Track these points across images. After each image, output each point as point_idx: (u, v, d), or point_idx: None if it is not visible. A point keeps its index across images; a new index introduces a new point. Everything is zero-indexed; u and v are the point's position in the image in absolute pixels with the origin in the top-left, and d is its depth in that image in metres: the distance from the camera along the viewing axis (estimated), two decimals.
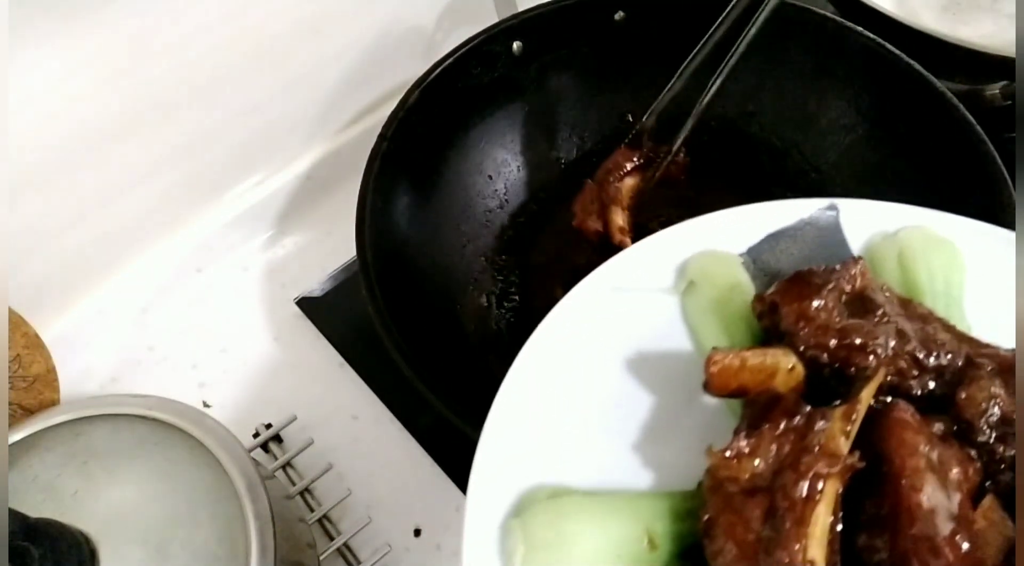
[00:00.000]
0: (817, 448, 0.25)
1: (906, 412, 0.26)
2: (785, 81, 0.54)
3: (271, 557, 0.35)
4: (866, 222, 0.34)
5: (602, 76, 0.57)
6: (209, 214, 0.57)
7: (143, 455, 0.38)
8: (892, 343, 0.27)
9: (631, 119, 0.56)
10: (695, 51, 0.46)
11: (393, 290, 0.43)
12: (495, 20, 0.55)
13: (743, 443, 0.26)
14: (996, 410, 0.26)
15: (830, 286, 0.29)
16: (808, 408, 0.26)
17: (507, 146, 0.58)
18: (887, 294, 0.30)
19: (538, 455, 0.30)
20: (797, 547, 0.24)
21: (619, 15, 0.55)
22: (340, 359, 0.54)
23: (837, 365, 0.28)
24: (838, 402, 0.26)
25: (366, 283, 0.43)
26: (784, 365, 0.28)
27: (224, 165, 0.56)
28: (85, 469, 0.37)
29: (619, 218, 0.48)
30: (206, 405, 0.52)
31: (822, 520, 0.24)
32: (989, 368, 0.27)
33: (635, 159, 0.48)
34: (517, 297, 0.54)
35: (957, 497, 0.24)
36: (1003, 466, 0.26)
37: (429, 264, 0.52)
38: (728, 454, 0.26)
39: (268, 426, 0.51)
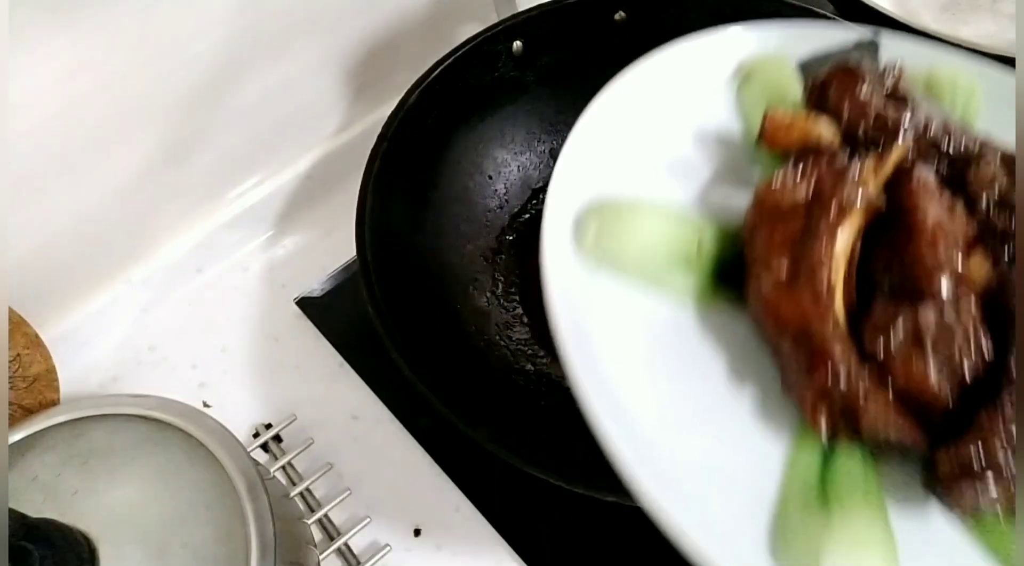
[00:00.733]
0: (850, 180, 0.30)
1: (927, 171, 0.31)
2: None
3: (271, 557, 0.35)
4: (903, 52, 0.38)
5: (602, 76, 0.57)
6: (209, 214, 0.57)
7: (143, 455, 0.38)
8: (920, 127, 0.33)
9: None
10: None
11: (393, 290, 0.43)
12: (495, 20, 0.55)
13: (787, 175, 0.31)
14: (996, 188, 0.31)
15: (874, 76, 0.35)
16: (846, 154, 0.32)
17: (507, 146, 0.58)
18: (919, 95, 0.35)
19: (612, 174, 0.35)
20: (823, 252, 0.29)
21: (619, 15, 0.55)
22: (340, 359, 0.54)
23: (871, 140, 0.33)
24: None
25: (366, 283, 0.43)
26: (827, 133, 0.34)
27: (224, 165, 0.56)
28: (85, 469, 0.37)
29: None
30: (206, 405, 0.52)
31: (845, 237, 0.29)
32: (996, 156, 0.32)
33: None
34: (517, 297, 0.54)
35: (960, 245, 0.29)
36: (994, 234, 0.31)
37: (429, 264, 0.52)
38: (773, 184, 0.31)
39: (268, 426, 0.51)
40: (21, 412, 0.43)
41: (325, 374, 0.53)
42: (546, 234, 0.33)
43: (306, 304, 0.56)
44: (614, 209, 0.33)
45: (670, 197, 0.35)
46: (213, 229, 0.57)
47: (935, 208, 0.30)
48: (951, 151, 0.33)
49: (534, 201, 0.58)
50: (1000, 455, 0.26)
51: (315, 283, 0.57)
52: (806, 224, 0.30)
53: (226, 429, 0.39)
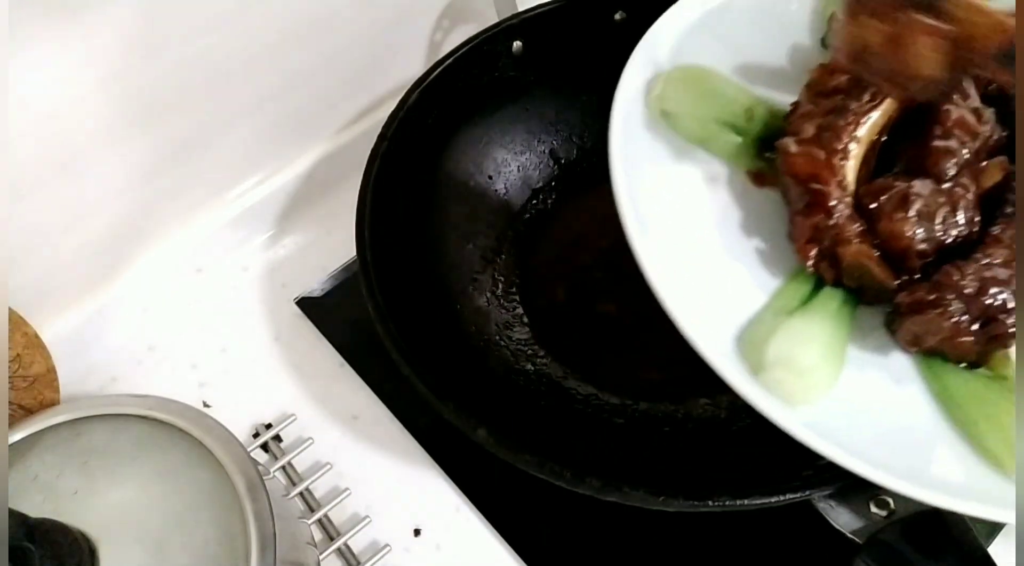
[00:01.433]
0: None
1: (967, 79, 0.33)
2: None
3: (271, 557, 0.35)
4: None
5: (602, 76, 0.57)
6: (209, 214, 0.57)
7: (143, 455, 0.38)
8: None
9: None
10: None
11: (393, 290, 0.43)
12: (495, 20, 0.55)
13: (835, 61, 0.34)
14: None
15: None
16: None
17: (507, 146, 0.58)
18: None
19: (689, 50, 0.40)
20: (846, 124, 0.33)
21: (619, 15, 0.55)
22: (340, 359, 0.54)
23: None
24: None
25: (366, 283, 0.43)
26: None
27: (224, 165, 0.56)
28: (85, 469, 0.37)
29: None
30: (206, 405, 0.52)
31: (872, 119, 0.33)
32: None
33: None
34: (517, 297, 0.54)
35: (975, 142, 0.33)
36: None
37: (429, 264, 0.52)
38: (825, 68, 0.35)
39: (268, 426, 0.51)
40: (21, 412, 0.43)
41: (325, 374, 0.53)
42: (621, 86, 0.38)
43: (306, 304, 0.56)
44: (683, 69, 0.38)
45: (733, 73, 0.40)
46: (213, 229, 0.57)
47: (961, 107, 0.33)
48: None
49: (534, 201, 0.58)
50: (948, 301, 0.30)
51: (315, 283, 0.57)
52: (841, 103, 0.34)
53: (226, 429, 0.39)
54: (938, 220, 0.32)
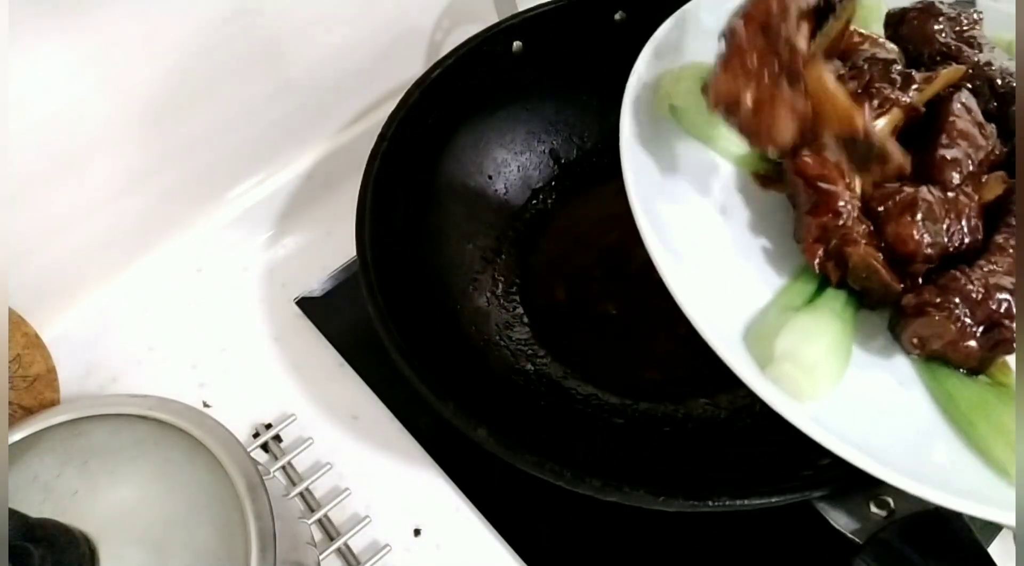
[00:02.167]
0: (897, 80, 0.34)
1: (970, 95, 0.36)
2: None
3: (271, 557, 0.35)
4: (992, 15, 0.41)
5: (602, 76, 0.57)
6: (209, 214, 0.57)
7: (143, 455, 0.38)
8: (980, 65, 0.37)
9: None
10: None
11: (393, 290, 0.43)
12: (495, 20, 0.55)
13: (849, 72, 0.35)
14: None
15: (951, 16, 0.39)
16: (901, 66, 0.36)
17: (507, 146, 0.58)
18: (992, 45, 0.39)
19: (696, 48, 0.40)
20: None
21: (619, 15, 0.55)
22: (340, 359, 0.54)
23: (931, 67, 0.38)
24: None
25: (366, 283, 0.43)
26: (893, 51, 0.38)
27: (224, 165, 0.56)
28: (85, 469, 0.37)
29: (838, 86, 0.32)
30: (206, 405, 0.52)
31: (882, 126, 0.33)
32: None
33: None
34: (517, 297, 0.54)
35: (979, 154, 0.34)
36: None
37: (429, 264, 0.52)
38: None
39: (268, 426, 0.51)
40: (21, 412, 0.43)
41: (325, 374, 0.53)
42: (631, 81, 0.38)
43: (306, 304, 0.56)
44: (693, 66, 0.38)
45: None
46: (213, 229, 0.57)
47: (965, 121, 0.34)
48: (1003, 91, 0.37)
49: (534, 201, 0.58)
50: (954, 305, 0.31)
51: (315, 283, 0.57)
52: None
53: (226, 429, 0.39)
54: (943, 226, 0.33)
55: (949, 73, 0.36)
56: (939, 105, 0.36)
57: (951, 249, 0.33)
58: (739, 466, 0.41)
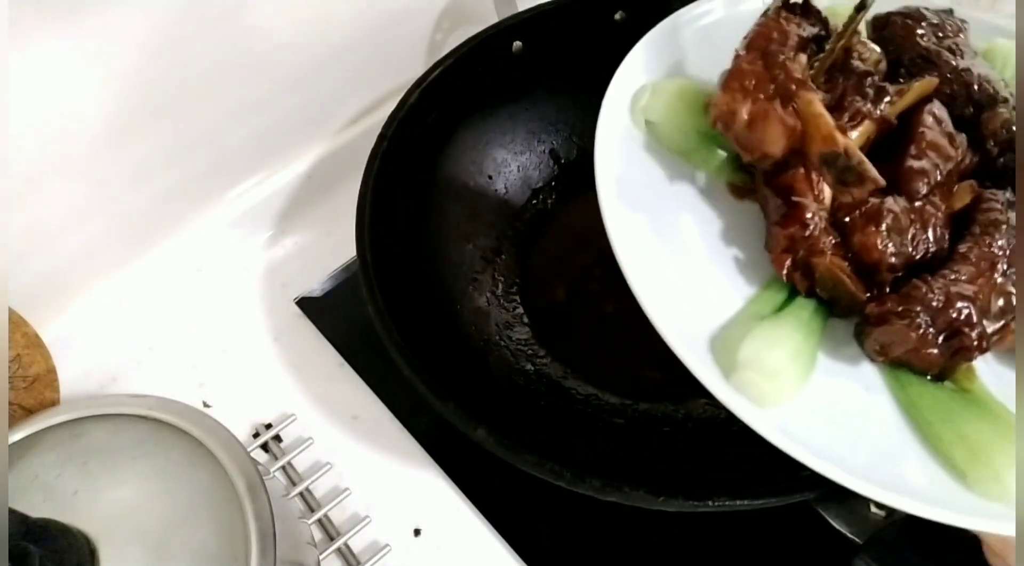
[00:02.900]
0: (870, 93, 0.35)
1: (941, 106, 0.36)
2: None
3: (271, 557, 0.35)
4: (973, 23, 0.42)
5: (602, 76, 0.57)
6: (209, 214, 0.57)
7: (143, 455, 0.38)
8: (958, 71, 0.37)
9: None
10: None
11: (393, 290, 0.43)
12: (495, 20, 0.55)
13: (819, 82, 0.35)
14: (1005, 133, 0.36)
15: (934, 23, 0.39)
16: (877, 78, 0.36)
17: (507, 146, 0.58)
18: (975, 52, 0.39)
19: (673, 65, 0.41)
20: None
21: (619, 15, 0.55)
22: (340, 359, 0.54)
23: (911, 73, 0.38)
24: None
25: (366, 283, 0.43)
26: (876, 56, 0.38)
27: (224, 165, 0.56)
28: (85, 469, 0.37)
29: (824, 111, 0.34)
30: (206, 405, 0.52)
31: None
32: (1012, 106, 0.36)
33: (803, 27, 0.38)
34: (517, 297, 0.54)
35: (947, 165, 0.34)
36: (991, 169, 0.36)
37: (429, 264, 0.52)
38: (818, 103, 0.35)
39: (268, 426, 0.51)
40: (21, 412, 0.43)
41: (325, 374, 0.53)
42: (608, 96, 0.39)
43: (306, 304, 0.56)
44: (669, 82, 0.39)
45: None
46: (213, 229, 0.57)
47: (935, 132, 0.35)
48: (979, 97, 0.37)
49: (534, 201, 0.58)
50: (915, 313, 0.31)
51: (315, 283, 0.57)
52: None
53: (226, 429, 0.39)
54: (908, 236, 0.33)
55: (921, 86, 0.36)
56: (911, 116, 0.36)
57: (917, 258, 0.33)
58: (739, 466, 0.41)
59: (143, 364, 0.54)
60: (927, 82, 0.36)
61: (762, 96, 0.34)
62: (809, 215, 0.34)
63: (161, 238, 0.55)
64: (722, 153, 0.39)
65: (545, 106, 0.58)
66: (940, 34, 0.39)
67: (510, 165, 0.58)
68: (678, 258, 0.36)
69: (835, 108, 0.35)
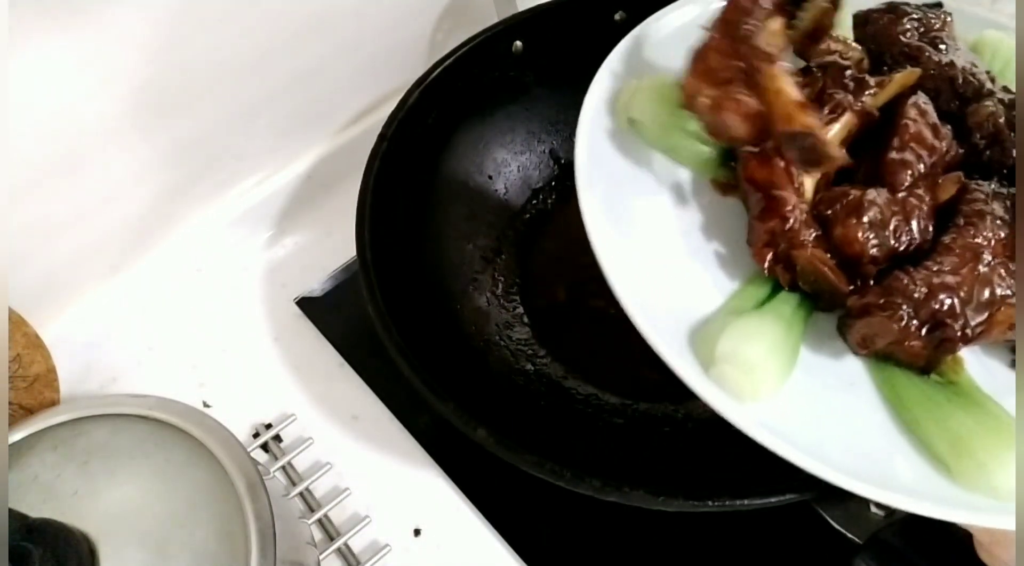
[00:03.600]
0: (850, 85, 0.35)
1: (926, 98, 0.36)
2: None
3: (271, 557, 0.35)
4: (959, 16, 0.41)
5: None
6: (209, 214, 0.57)
7: (143, 455, 0.38)
8: (942, 65, 0.37)
9: None
10: None
11: (393, 290, 0.43)
12: (495, 20, 0.55)
13: (801, 79, 0.35)
14: (991, 126, 0.35)
15: (916, 17, 0.39)
16: (855, 71, 0.36)
17: (507, 146, 0.58)
18: (958, 42, 0.39)
19: (656, 61, 0.41)
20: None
21: (619, 15, 0.55)
22: (340, 359, 0.54)
23: (893, 68, 0.38)
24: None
25: (366, 283, 0.43)
26: (857, 53, 0.39)
27: (224, 165, 0.56)
28: (85, 469, 0.37)
29: (787, 85, 0.33)
30: (206, 405, 0.52)
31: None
32: (999, 99, 0.36)
33: None
34: (517, 297, 0.54)
35: (932, 157, 0.34)
36: (977, 162, 0.36)
37: (429, 264, 0.52)
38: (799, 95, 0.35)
39: (268, 426, 0.51)
40: (21, 412, 0.43)
41: (325, 374, 0.53)
42: (589, 94, 0.39)
43: (306, 304, 0.56)
44: (652, 79, 0.39)
45: None
46: (213, 229, 0.57)
47: (919, 124, 0.35)
48: (964, 91, 0.37)
49: (534, 201, 0.58)
50: (896, 305, 0.31)
51: (315, 283, 0.57)
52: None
53: (226, 429, 0.39)
54: (891, 228, 0.33)
55: (904, 77, 0.36)
56: (894, 108, 0.36)
57: (900, 250, 0.33)
58: (739, 466, 0.41)
59: (143, 364, 0.54)
60: (909, 73, 0.36)
61: (726, 76, 0.33)
62: (789, 208, 0.34)
63: (161, 238, 0.55)
64: (705, 149, 0.39)
65: (545, 106, 0.58)
66: (923, 28, 0.39)
67: (510, 165, 0.58)
68: (659, 254, 0.36)
69: (815, 100, 0.35)
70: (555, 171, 0.59)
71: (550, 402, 0.49)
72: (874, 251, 0.33)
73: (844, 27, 0.41)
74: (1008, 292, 0.31)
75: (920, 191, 0.34)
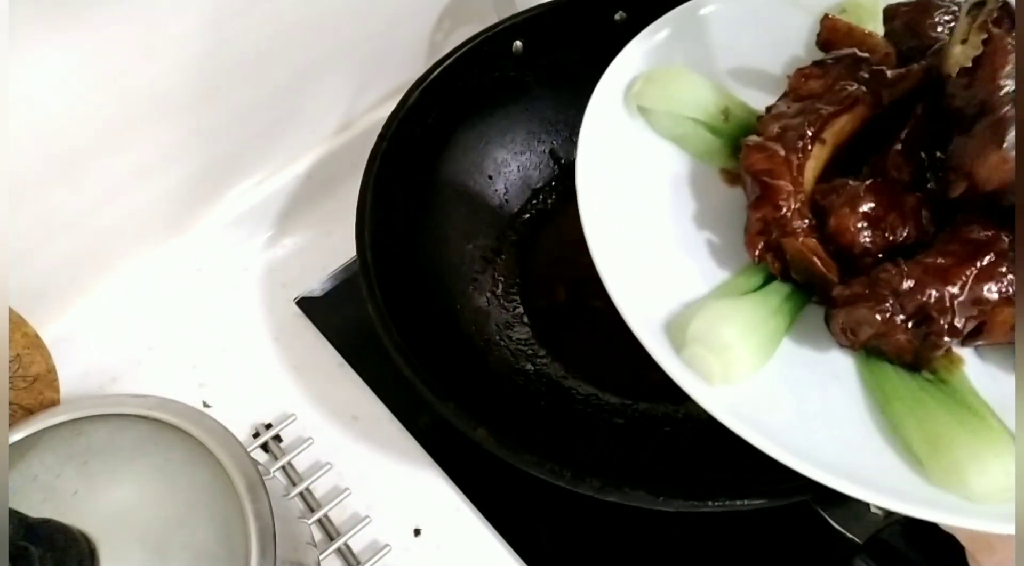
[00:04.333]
0: (865, 76, 0.35)
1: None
2: None
3: (271, 557, 0.35)
4: None
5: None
6: (209, 214, 0.57)
7: (143, 455, 0.38)
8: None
9: None
10: None
11: (393, 290, 0.43)
12: (495, 20, 0.55)
13: (814, 70, 0.37)
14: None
15: (948, 10, 0.38)
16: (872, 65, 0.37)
17: (507, 146, 0.58)
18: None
19: (670, 55, 0.41)
20: (809, 126, 0.35)
21: (619, 15, 0.55)
22: (340, 359, 0.54)
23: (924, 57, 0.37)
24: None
25: (366, 283, 0.43)
26: (883, 47, 0.39)
27: (224, 165, 0.56)
28: (85, 469, 0.37)
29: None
30: (206, 405, 0.52)
31: (838, 124, 0.35)
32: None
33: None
34: (517, 297, 0.54)
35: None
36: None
37: (429, 264, 0.52)
38: (801, 73, 0.37)
39: (268, 426, 0.51)
40: (21, 412, 0.43)
41: (325, 374, 0.53)
42: (601, 82, 0.39)
43: (306, 304, 0.56)
44: (663, 69, 0.40)
45: (724, 77, 0.41)
46: (213, 229, 0.57)
47: (921, 124, 0.34)
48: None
49: (534, 201, 0.58)
50: (882, 296, 0.30)
51: (315, 283, 0.57)
52: (810, 106, 0.36)
53: (226, 429, 0.39)
54: (887, 220, 0.33)
55: (921, 68, 0.36)
56: (908, 101, 0.36)
57: (896, 243, 0.33)
58: (739, 466, 0.41)
59: (143, 364, 0.54)
60: (921, 68, 0.36)
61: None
62: (783, 197, 0.34)
63: (161, 238, 0.55)
64: (715, 138, 0.39)
65: (545, 106, 0.58)
66: (954, 23, 0.38)
67: (510, 165, 0.58)
68: (653, 241, 0.36)
69: (822, 91, 0.35)
70: (555, 171, 0.59)
71: (550, 402, 0.49)
72: (866, 242, 0.32)
73: (876, 22, 0.41)
74: (1010, 291, 0.31)
75: (928, 186, 0.34)
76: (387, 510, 0.47)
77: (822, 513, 0.35)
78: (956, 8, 0.39)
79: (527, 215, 0.58)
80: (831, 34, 0.41)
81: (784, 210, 0.33)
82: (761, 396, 0.31)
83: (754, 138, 0.36)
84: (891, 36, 0.40)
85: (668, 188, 0.38)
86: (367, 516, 0.47)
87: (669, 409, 0.48)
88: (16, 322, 0.45)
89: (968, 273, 0.31)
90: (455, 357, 0.49)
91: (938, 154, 0.35)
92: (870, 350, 0.33)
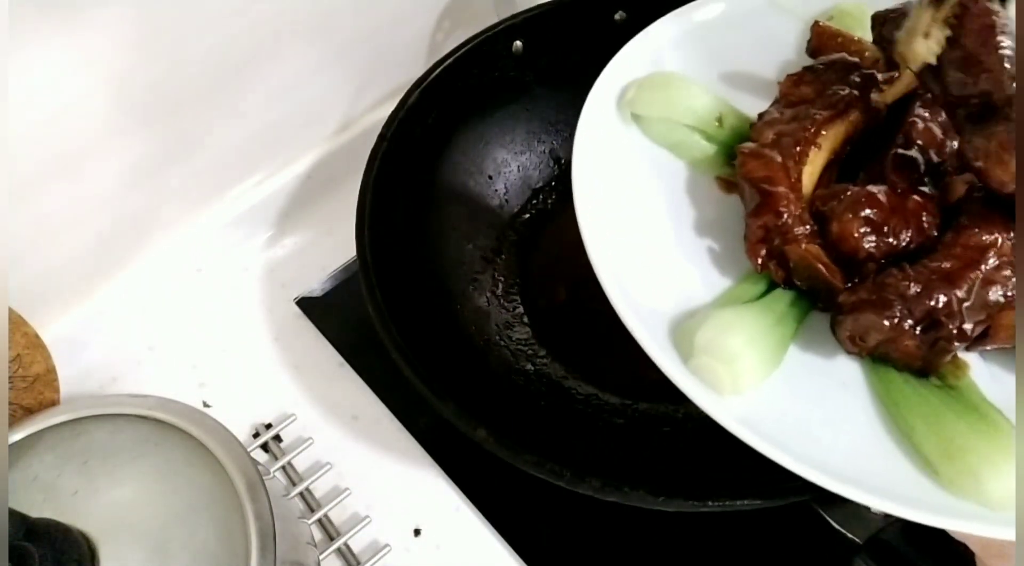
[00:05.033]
0: (856, 81, 0.36)
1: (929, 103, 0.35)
2: None
3: (271, 557, 0.35)
4: None
5: None
6: (209, 214, 0.57)
7: (143, 455, 0.38)
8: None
9: None
10: None
11: (393, 290, 0.43)
12: (495, 20, 0.55)
13: (805, 75, 0.37)
14: None
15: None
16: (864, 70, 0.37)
17: (507, 146, 0.58)
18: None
19: (663, 62, 0.41)
20: (804, 131, 0.35)
21: (619, 15, 0.55)
22: (340, 359, 0.54)
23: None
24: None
25: (366, 283, 0.43)
26: (872, 53, 0.38)
27: (224, 165, 0.56)
28: (85, 469, 0.37)
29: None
30: (206, 405, 0.52)
31: (834, 130, 0.36)
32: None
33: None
34: (517, 297, 0.54)
35: (940, 155, 0.34)
36: None
37: (429, 264, 0.52)
38: (792, 79, 0.38)
39: (268, 426, 0.51)
40: (21, 412, 0.43)
41: (325, 374, 0.53)
42: (595, 88, 0.39)
43: (306, 304, 0.56)
44: (657, 75, 0.40)
45: (715, 83, 0.41)
46: (213, 229, 0.57)
47: (927, 122, 0.34)
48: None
49: (534, 201, 0.58)
50: (888, 302, 0.30)
51: (315, 283, 0.57)
52: (804, 112, 0.36)
53: (226, 429, 0.39)
54: (890, 225, 0.32)
55: (909, 76, 0.35)
56: (903, 106, 0.35)
57: (899, 248, 0.32)
58: (739, 466, 0.41)
59: (143, 364, 0.54)
60: (910, 74, 0.35)
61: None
62: (783, 204, 0.33)
63: (161, 238, 0.55)
64: (709, 145, 0.39)
65: (545, 106, 0.58)
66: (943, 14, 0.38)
67: (510, 165, 0.58)
68: (653, 251, 0.36)
69: (815, 96, 0.35)
70: (555, 171, 0.59)
71: (550, 402, 0.49)
72: (870, 247, 0.32)
73: (864, 29, 0.41)
74: (1012, 294, 0.30)
75: (925, 189, 0.33)
76: (387, 510, 0.47)
77: (822, 513, 0.35)
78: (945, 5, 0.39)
79: (527, 215, 0.58)
80: (820, 40, 0.41)
81: (785, 217, 0.33)
82: (770, 405, 0.31)
83: (749, 145, 0.36)
84: (879, 42, 0.40)
85: (664, 196, 0.38)
86: (367, 516, 0.47)
87: (669, 409, 0.48)
88: (16, 322, 0.45)
89: (974, 276, 0.30)
90: (455, 357, 0.49)
91: (935, 157, 0.35)
92: (877, 357, 0.32)
